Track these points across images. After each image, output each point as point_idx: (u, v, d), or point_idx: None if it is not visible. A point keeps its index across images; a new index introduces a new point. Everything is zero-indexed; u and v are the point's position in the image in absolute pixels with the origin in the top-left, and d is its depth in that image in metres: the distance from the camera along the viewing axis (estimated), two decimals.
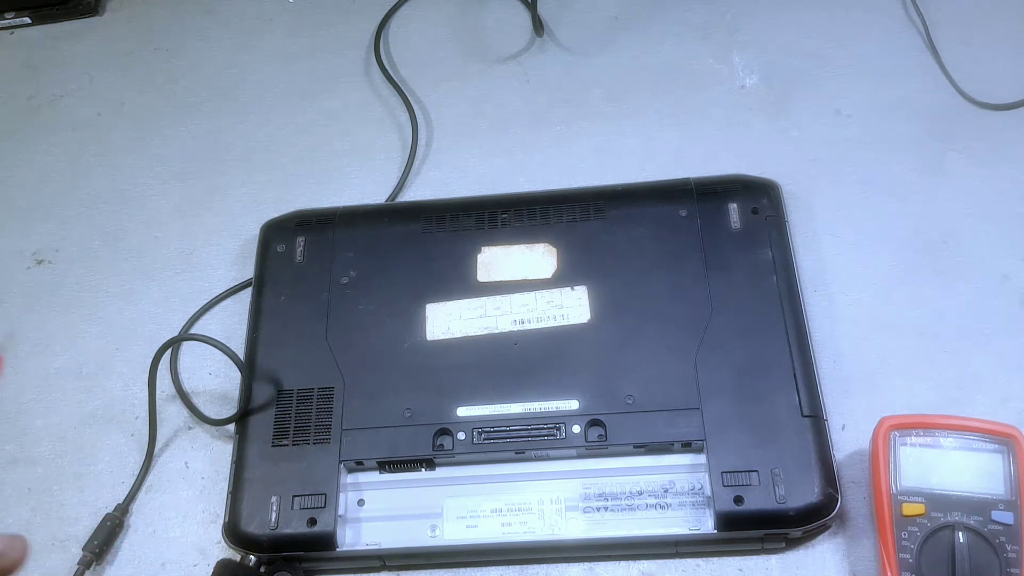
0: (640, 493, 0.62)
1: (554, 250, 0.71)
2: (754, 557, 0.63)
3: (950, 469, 0.58)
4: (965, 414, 0.60)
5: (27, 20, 0.97)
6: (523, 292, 0.69)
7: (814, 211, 0.75)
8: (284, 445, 0.65)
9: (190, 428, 0.72)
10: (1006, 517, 0.56)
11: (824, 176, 0.77)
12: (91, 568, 0.66)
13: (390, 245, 0.72)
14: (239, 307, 0.76)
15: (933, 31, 0.82)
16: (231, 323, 0.76)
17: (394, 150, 0.84)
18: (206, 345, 0.67)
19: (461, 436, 0.64)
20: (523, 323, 0.68)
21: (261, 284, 0.73)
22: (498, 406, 0.65)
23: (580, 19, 0.89)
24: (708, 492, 0.61)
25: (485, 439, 0.64)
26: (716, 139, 0.80)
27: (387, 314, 0.69)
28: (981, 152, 0.76)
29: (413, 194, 0.81)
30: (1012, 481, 0.57)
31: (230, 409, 0.68)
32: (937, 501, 0.57)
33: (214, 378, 0.74)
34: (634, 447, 0.63)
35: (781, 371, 0.64)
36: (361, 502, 0.64)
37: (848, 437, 0.65)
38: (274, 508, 0.63)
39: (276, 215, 0.77)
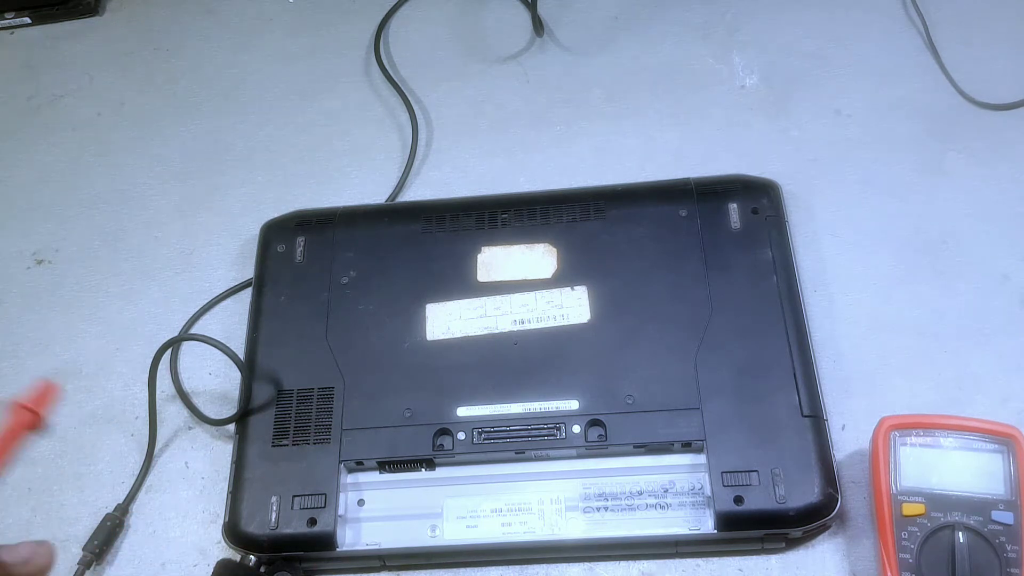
0: (640, 493, 0.62)
1: (554, 250, 0.71)
2: (754, 557, 0.63)
3: (950, 469, 0.58)
4: (965, 414, 0.60)
5: (27, 20, 0.97)
6: (523, 292, 0.69)
7: (814, 211, 0.75)
8: (284, 445, 0.65)
9: (190, 428, 0.72)
10: (1006, 517, 0.56)
11: (824, 176, 0.77)
12: (91, 568, 0.66)
13: (390, 245, 0.72)
14: (239, 307, 0.76)
15: (933, 31, 0.82)
16: (231, 323, 0.76)
17: (394, 150, 0.84)
18: (206, 345, 0.67)
19: (461, 436, 0.64)
20: (523, 323, 0.68)
21: (261, 284, 0.73)
22: (498, 406, 0.65)
23: (580, 19, 0.89)
24: (708, 492, 0.61)
25: (485, 439, 0.64)
26: (716, 139, 0.80)
27: (387, 314, 0.69)
28: (981, 152, 0.76)
29: (413, 194, 0.81)
30: (1012, 481, 0.57)
31: (230, 409, 0.68)
32: (937, 501, 0.57)
33: (214, 378, 0.74)
34: (634, 447, 0.63)
35: (781, 371, 0.64)
36: (361, 502, 0.65)
37: (848, 437, 0.65)
38: (274, 508, 0.63)
39: (276, 215, 0.77)
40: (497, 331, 0.68)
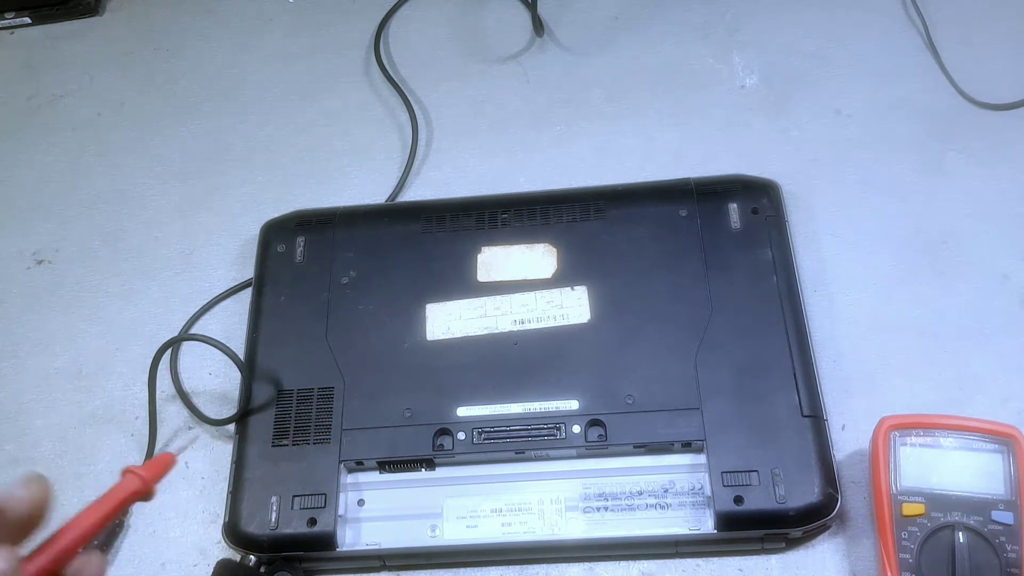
0: (640, 493, 0.62)
1: (554, 250, 0.71)
2: (754, 557, 0.63)
3: (950, 469, 0.58)
4: (965, 414, 0.60)
5: (27, 20, 0.97)
6: (523, 292, 0.69)
7: (814, 211, 0.75)
8: (284, 445, 0.65)
9: (190, 428, 0.72)
10: (1006, 517, 0.56)
11: (824, 176, 0.77)
12: None
13: (390, 245, 0.73)
14: (239, 307, 0.76)
15: (933, 31, 0.82)
16: (231, 323, 0.76)
17: (394, 150, 0.84)
18: (206, 345, 0.67)
19: (461, 436, 0.64)
20: (523, 323, 0.68)
21: (261, 284, 0.73)
22: (498, 406, 0.65)
23: (580, 19, 0.89)
24: (708, 492, 0.61)
25: (485, 439, 0.64)
26: (716, 139, 0.80)
27: (387, 314, 0.69)
28: (981, 152, 0.76)
29: (413, 194, 0.81)
30: (1012, 481, 0.57)
31: (230, 409, 0.68)
32: (937, 501, 0.57)
33: (214, 378, 0.74)
34: (634, 447, 0.63)
35: (781, 371, 0.64)
36: (361, 502, 0.65)
37: (848, 437, 0.65)
38: (274, 508, 0.63)
39: (276, 215, 0.77)
40: (497, 331, 0.68)
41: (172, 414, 0.72)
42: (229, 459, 0.67)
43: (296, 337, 0.69)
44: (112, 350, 0.76)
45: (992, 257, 0.71)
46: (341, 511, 0.63)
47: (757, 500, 0.60)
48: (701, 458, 0.62)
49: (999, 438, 0.58)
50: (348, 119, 0.86)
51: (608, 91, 0.85)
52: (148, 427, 0.71)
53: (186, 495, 0.69)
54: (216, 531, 0.66)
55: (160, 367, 0.70)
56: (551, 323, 0.67)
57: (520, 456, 0.64)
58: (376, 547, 0.63)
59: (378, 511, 0.64)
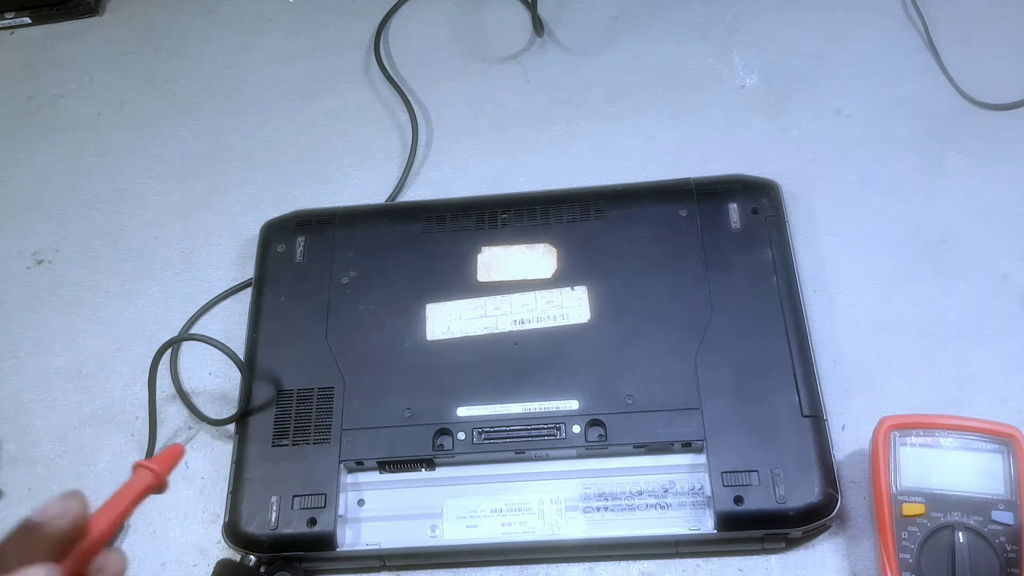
0: (640, 493, 0.62)
1: (554, 250, 0.71)
2: (754, 557, 0.63)
3: (950, 469, 0.58)
4: (965, 414, 0.60)
5: (27, 20, 0.97)
6: (523, 292, 0.69)
7: (814, 211, 0.75)
8: (284, 445, 0.65)
9: (190, 428, 0.72)
10: (1006, 517, 0.56)
11: (824, 176, 0.77)
12: None
13: (390, 245, 0.73)
14: (239, 307, 0.76)
15: (933, 31, 0.82)
16: (231, 323, 0.76)
17: (394, 150, 0.84)
18: (206, 345, 0.67)
19: (461, 436, 0.64)
20: (523, 323, 0.68)
21: (261, 284, 0.73)
22: (498, 406, 0.65)
23: (580, 19, 0.89)
24: (708, 492, 0.61)
25: (485, 439, 0.64)
26: (716, 139, 0.80)
27: (387, 314, 0.69)
28: (981, 152, 0.76)
29: (413, 194, 0.81)
30: (1012, 481, 0.57)
31: (230, 409, 0.68)
32: (937, 501, 0.57)
33: (214, 378, 0.74)
34: (634, 447, 0.63)
35: (781, 371, 0.64)
36: (361, 502, 0.65)
37: (848, 437, 0.65)
38: (274, 508, 0.63)
39: (276, 215, 0.77)
40: (497, 331, 0.68)
41: (172, 414, 0.72)
42: (229, 459, 0.67)
43: (296, 337, 0.69)
44: (112, 350, 0.76)
45: (992, 257, 0.71)
46: (341, 511, 0.63)
47: (757, 500, 0.60)
48: (701, 458, 0.62)
49: (999, 438, 0.58)
50: (348, 119, 0.86)
51: (608, 91, 0.85)
52: (148, 427, 0.71)
53: (186, 495, 0.69)
54: (216, 531, 0.66)
55: (160, 367, 0.70)
56: (551, 323, 0.67)
57: (520, 456, 0.64)
58: (376, 547, 0.63)
59: (378, 511, 0.64)
